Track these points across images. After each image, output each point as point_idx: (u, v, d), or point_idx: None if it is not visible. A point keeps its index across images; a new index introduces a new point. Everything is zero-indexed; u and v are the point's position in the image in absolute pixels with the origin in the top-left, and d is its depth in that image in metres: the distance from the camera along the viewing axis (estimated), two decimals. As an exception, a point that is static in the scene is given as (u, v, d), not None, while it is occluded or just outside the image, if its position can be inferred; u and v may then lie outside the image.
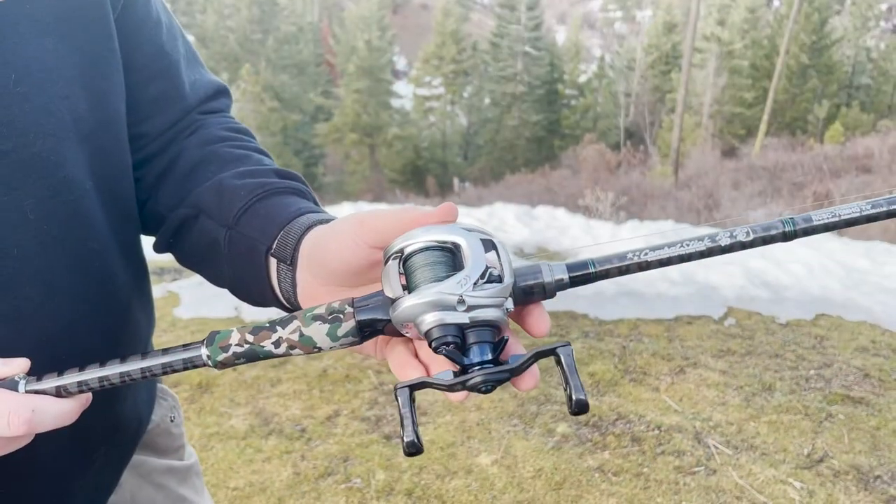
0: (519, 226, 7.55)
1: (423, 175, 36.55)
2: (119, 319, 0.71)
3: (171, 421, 0.94)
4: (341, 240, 0.56)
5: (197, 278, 5.88)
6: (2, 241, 0.57)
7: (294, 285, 0.61)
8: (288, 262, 0.61)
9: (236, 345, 0.53)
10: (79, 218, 0.63)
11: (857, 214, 0.52)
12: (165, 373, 0.54)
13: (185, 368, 0.54)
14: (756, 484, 2.80)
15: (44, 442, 0.56)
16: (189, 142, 0.77)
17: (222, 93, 0.85)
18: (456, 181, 35.53)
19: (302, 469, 2.98)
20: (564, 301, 4.65)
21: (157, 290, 5.49)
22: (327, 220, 0.63)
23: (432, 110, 41.29)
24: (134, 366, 0.54)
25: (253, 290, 0.67)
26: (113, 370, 0.54)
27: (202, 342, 0.54)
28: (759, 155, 27.04)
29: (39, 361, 0.59)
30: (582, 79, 44.50)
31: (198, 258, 0.73)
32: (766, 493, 2.75)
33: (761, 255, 5.86)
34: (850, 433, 3.18)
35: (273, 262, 0.63)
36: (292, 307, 0.63)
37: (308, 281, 0.60)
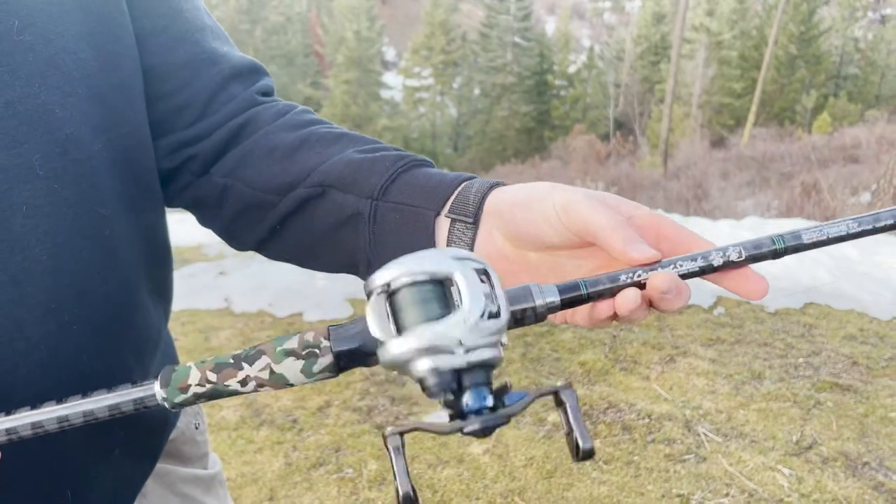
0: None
1: (413, 166, 36.36)
2: (128, 297, 0.68)
3: (196, 428, 0.92)
4: (540, 217, 0.56)
5: (186, 269, 5.86)
6: (11, 197, 0.55)
7: (472, 244, 0.61)
8: (470, 221, 0.61)
9: (197, 384, 0.49)
10: (87, 180, 0.60)
11: (844, 232, 0.52)
12: (113, 416, 0.49)
13: (137, 410, 0.49)
14: (745, 471, 2.82)
15: None
16: (274, 126, 0.74)
17: (262, 71, 0.82)
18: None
19: (294, 459, 2.98)
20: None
21: (147, 281, 5.45)
22: (502, 183, 0.63)
23: (422, 101, 41.20)
24: (74, 409, 0.48)
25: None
26: (48, 414, 0.48)
27: (156, 379, 0.49)
28: (748, 145, 27.13)
29: (47, 328, 0.58)
30: (571, 69, 44.49)
31: (319, 239, 0.71)
32: (755, 479, 2.77)
33: (750, 244, 5.87)
34: (838, 420, 3.21)
35: (443, 225, 0.63)
36: None
37: (493, 236, 0.60)
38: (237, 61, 0.78)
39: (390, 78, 45.46)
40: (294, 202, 0.70)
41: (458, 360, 0.44)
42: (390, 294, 0.47)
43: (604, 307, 0.51)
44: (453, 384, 0.44)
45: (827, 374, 3.67)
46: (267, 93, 0.80)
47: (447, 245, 0.62)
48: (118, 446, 0.71)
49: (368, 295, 0.48)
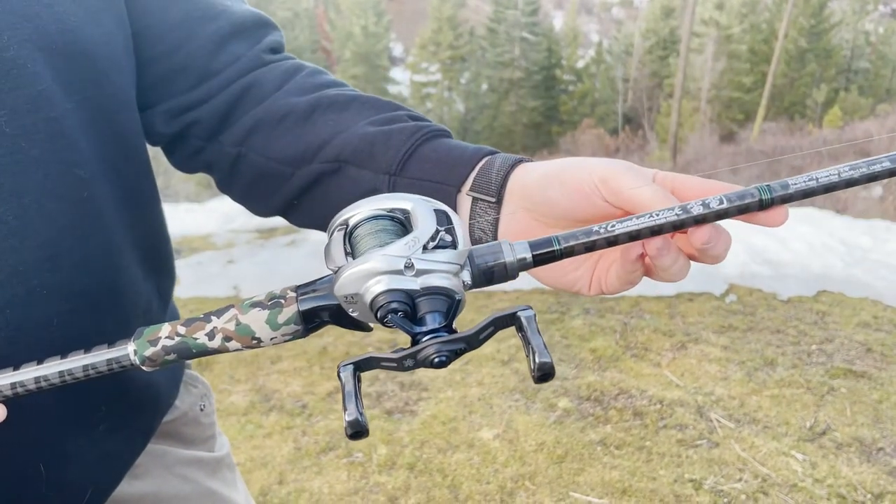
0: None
1: (421, 161, 36.43)
2: (111, 262, 0.65)
3: (201, 410, 0.89)
4: (575, 190, 0.54)
5: (195, 258, 5.86)
6: None
7: (496, 223, 0.59)
8: (493, 200, 0.59)
9: (166, 337, 0.48)
10: (62, 140, 0.57)
11: (836, 178, 0.49)
12: (88, 376, 0.48)
13: (111, 370, 0.49)
14: (758, 456, 2.79)
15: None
16: (285, 90, 0.71)
17: (269, 24, 0.77)
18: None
19: (303, 444, 2.97)
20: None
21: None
22: (527, 159, 0.61)
23: (429, 97, 41.12)
24: (50, 369, 0.48)
25: None
26: (27, 375, 0.48)
27: (131, 338, 0.49)
28: (758, 139, 26.99)
29: (13, 292, 0.55)
30: (580, 64, 44.27)
31: (335, 212, 0.70)
32: (768, 465, 2.74)
33: (762, 232, 5.84)
34: (852, 406, 3.17)
35: (466, 201, 0.61)
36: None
37: (520, 218, 0.58)
38: (239, 16, 0.74)
39: (398, 73, 45.42)
40: (309, 177, 0.68)
41: (410, 282, 0.44)
42: (350, 231, 0.48)
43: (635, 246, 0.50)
44: (406, 306, 0.44)
45: (841, 361, 3.64)
46: (275, 49, 0.76)
47: (470, 224, 0.61)
48: (103, 422, 0.69)
49: (330, 234, 0.49)
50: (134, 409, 0.74)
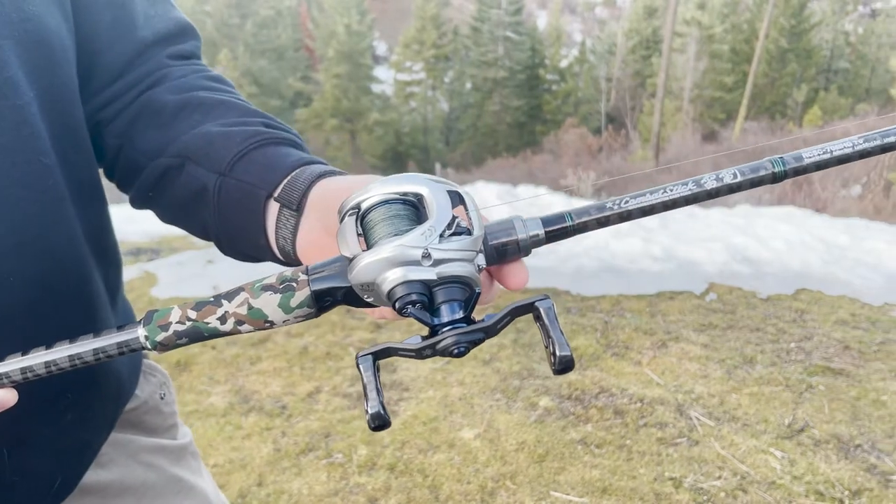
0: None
1: (405, 160, 36.50)
2: (74, 251, 0.66)
3: (161, 399, 0.90)
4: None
5: (175, 258, 5.82)
6: None
7: (295, 232, 0.60)
8: (294, 208, 0.59)
9: (177, 322, 0.48)
10: (27, 128, 0.58)
11: (850, 150, 0.49)
12: (98, 359, 0.48)
13: (121, 353, 0.48)
14: (738, 454, 2.81)
15: None
16: (164, 87, 0.73)
17: (188, 33, 0.80)
18: (438, 166, 35.39)
19: (283, 445, 2.95)
20: (546, 278, 4.64)
21: (134, 270, 5.40)
22: (338, 173, 0.62)
23: (413, 95, 41.07)
24: (61, 353, 0.48)
25: (244, 239, 0.65)
26: (37, 359, 0.48)
27: (139, 322, 0.49)
28: (739, 139, 27.22)
29: None
30: (563, 64, 44.39)
31: (181, 209, 0.70)
32: (747, 462, 2.75)
33: (743, 231, 5.89)
34: (830, 403, 3.20)
35: (273, 208, 0.62)
36: (286, 258, 0.62)
37: (315, 229, 0.58)
38: (162, 25, 0.76)
39: (381, 72, 45.30)
40: (158, 170, 0.69)
41: (427, 272, 0.43)
42: (362, 216, 0.47)
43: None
44: (424, 296, 0.43)
45: (819, 359, 3.67)
46: (185, 55, 0.78)
47: (275, 232, 0.61)
48: (70, 411, 0.69)
49: (342, 219, 0.47)
50: (98, 398, 0.75)
